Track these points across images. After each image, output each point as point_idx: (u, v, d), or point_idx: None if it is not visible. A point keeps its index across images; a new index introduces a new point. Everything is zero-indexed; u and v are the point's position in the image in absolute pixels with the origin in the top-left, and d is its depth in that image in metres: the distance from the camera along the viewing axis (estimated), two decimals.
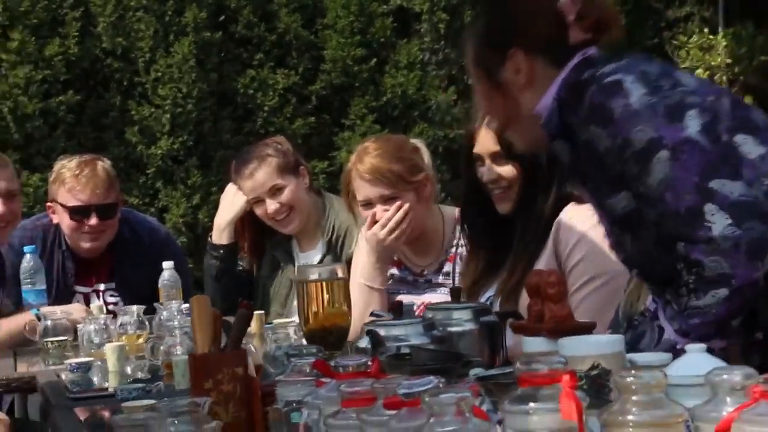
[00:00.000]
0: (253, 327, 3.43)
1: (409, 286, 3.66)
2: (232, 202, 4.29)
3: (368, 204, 3.56)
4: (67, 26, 7.17)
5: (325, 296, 2.19)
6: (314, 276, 2.24)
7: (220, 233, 4.32)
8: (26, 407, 3.91)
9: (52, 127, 7.05)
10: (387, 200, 3.53)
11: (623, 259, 2.38)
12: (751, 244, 2.08)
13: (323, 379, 1.78)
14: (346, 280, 2.23)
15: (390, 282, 3.62)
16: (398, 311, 2.12)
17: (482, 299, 2.96)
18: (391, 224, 3.49)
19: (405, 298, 3.54)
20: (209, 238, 4.39)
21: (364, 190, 3.56)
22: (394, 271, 3.67)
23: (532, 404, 1.41)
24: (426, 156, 3.79)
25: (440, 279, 3.61)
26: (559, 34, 2.37)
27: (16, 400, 4.04)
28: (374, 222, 3.52)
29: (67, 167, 4.33)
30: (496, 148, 2.94)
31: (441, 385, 1.52)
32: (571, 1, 2.36)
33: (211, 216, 6.86)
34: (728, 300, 2.10)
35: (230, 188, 4.31)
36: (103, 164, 4.39)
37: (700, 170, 2.13)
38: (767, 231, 2.09)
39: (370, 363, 1.77)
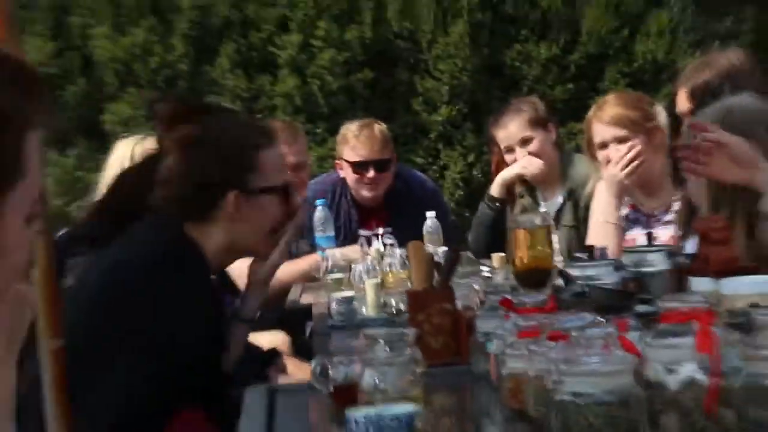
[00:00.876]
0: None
1: (641, 225, 3.57)
2: (518, 164, 4.10)
3: (604, 146, 3.52)
4: (362, 14, 7.32)
5: (529, 241, 2.14)
6: (520, 224, 2.20)
7: (499, 187, 4.16)
8: None
9: (352, 100, 7.24)
10: (621, 141, 3.49)
11: None
12: None
13: (509, 314, 1.75)
14: (549, 227, 2.17)
15: (624, 222, 3.55)
16: (591, 253, 2.05)
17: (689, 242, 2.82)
18: (623, 161, 3.46)
19: (635, 233, 3.51)
20: (488, 191, 4.27)
21: (600, 132, 3.53)
22: (628, 211, 3.59)
23: (671, 338, 1.33)
24: (662, 115, 3.66)
25: (669, 217, 3.50)
26: None
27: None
28: (609, 162, 3.49)
29: (350, 129, 4.44)
30: (690, 107, 2.80)
31: (596, 322, 1.46)
32: None
33: (484, 172, 6.86)
34: None
35: (528, 158, 4.12)
36: (380, 126, 4.46)
37: None
38: None
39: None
